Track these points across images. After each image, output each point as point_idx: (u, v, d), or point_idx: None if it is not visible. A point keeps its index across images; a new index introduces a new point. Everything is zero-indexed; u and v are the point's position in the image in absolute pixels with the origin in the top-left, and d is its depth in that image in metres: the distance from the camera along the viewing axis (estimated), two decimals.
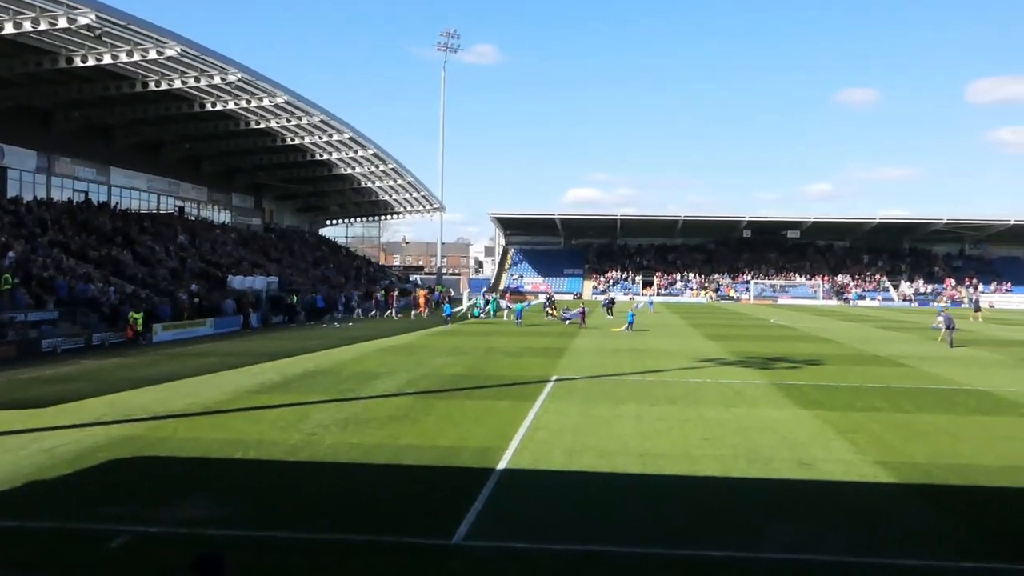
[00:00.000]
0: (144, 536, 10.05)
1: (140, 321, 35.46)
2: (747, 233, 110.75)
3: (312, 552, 9.65)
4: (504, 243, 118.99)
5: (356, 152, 68.91)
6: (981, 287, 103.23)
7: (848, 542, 10.04)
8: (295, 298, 53.45)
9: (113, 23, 36.88)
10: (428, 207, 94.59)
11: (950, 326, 37.65)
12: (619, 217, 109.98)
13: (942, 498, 12.04)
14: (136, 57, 40.47)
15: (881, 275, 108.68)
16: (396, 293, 66.89)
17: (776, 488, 12.52)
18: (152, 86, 45.74)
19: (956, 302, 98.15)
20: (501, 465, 13.48)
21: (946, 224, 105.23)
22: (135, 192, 60.62)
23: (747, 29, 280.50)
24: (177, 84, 45.77)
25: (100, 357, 29.74)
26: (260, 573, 8.93)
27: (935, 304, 54.97)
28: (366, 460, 13.85)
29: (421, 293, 64.73)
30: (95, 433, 15.74)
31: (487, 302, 62.42)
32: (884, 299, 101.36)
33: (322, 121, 59.37)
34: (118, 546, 9.71)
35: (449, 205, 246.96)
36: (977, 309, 60.81)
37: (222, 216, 72.59)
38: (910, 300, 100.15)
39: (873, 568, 9.30)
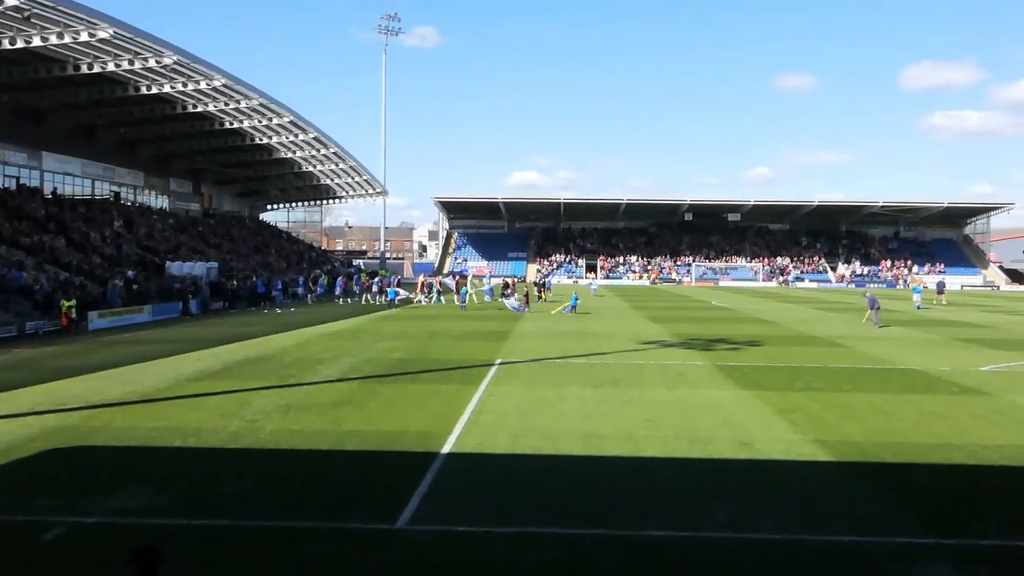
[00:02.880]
0: (80, 527, 9.85)
1: (74, 309, 34.68)
2: (688, 216, 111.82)
3: (253, 540, 9.55)
4: (448, 227, 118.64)
5: (296, 136, 68.10)
6: (916, 268, 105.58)
7: (786, 520, 10.21)
8: (235, 283, 52.73)
9: (42, 4, 35.91)
10: (371, 191, 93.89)
11: (874, 306, 38.18)
12: (562, 201, 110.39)
13: (877, 476, 12.31)
14: (67, 39, 39.45)
15: (819, 257, 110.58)
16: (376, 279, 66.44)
17: (716, 468, 12.69)
18: (84, 69, 44.60)
19: (891, 283, 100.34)
20: (445, 449, 13.47)
21: (882, 207, 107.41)
22: (69, 177, 59.26)
23: (685, 14, 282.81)
24: (110, 67, 44.73)
25: (34, 346, 29.06)
26: (200, 563, 8.81)
27: (915, 288, 56.34)
28: (308, 446, 13.73)
29: (422, 280, 64.08)
30: (29, 423, 15.38)
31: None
32: (821, 281, 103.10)
33: (261, 104, 58.53)
34: (54, 537, 9.52)
35: (392, 189, 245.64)
36: (941, 292, 61.54)
37: (159, 201, 71.26)
38: (846, 281, 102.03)
39: (809, 545, 9.47)
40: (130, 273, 45.87)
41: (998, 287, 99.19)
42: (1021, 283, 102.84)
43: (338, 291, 62.00)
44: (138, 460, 12.98)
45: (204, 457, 13.16)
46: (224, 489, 11.48)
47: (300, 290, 59.93)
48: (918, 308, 50.51)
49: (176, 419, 15.88)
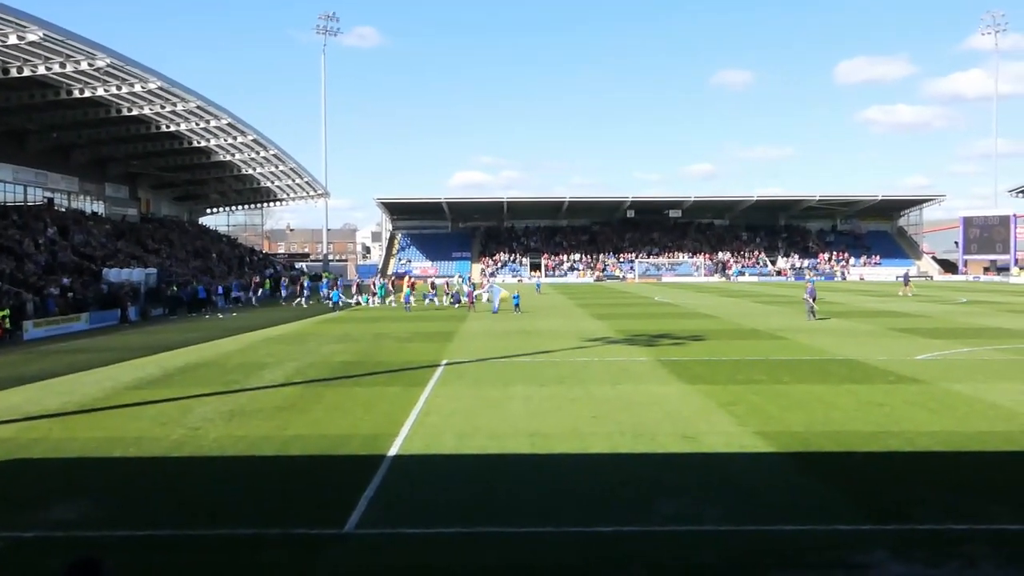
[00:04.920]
0: (18, 541, 9.64)
1: (8, 318, 33.85)
2: (631, 213, 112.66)
3: (197, 549, 9.42)
4: (391, 228, 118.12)
5: (235, 138, 67.26)
6: (852, 260, 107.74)
7: (730, 511, 10.36)
8: (175, 289, 51.91)
9: None
10: (312, 193, 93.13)
11: (812, 296, 38.85)
12: (505, 199, 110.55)
13: (818, 465, 12.53)
14: None
15: (759, 251, 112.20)
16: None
17: (661, 462, 12.83)
18: (14, 72, 43.52)
19: (829, 275, 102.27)
20: (392, 452, 13.42)
21: (819, 201, 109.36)
22: None
23: (624, 13, 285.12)
24: (41, 70, 43.73)
25: None
26: (142, 575, 8.68)
27: (810, 279, 57.14)
28: (253, 452, 13.58)
29: (408, 281, 62.74)
30: None
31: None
32: (763, 275, 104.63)
33: (199, 107, 57.70)
34: None
35: (334, 191, 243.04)
36: (907, 283, 62.75)
37: (95, 207, 69.65)
38: (785, 275, 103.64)
39: (753, 535, 9.62)
40: (66, 281, 44.89)
41: (931, 277, 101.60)
42: (953, 273, 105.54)
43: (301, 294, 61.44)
44: (78, 471, 12.73)
45: (146, 467, 12.94)
46: (167, 498, 11.30)
47: (284, 291, 61.10)
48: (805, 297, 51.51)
49: (116, 429, 15.59)
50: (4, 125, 55.15)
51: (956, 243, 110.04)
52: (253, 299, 58.77)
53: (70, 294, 42.83)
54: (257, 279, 65.85)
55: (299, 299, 57.27)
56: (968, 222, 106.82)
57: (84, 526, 10.11)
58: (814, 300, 38.61)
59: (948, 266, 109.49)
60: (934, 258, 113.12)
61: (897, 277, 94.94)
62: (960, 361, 23.64)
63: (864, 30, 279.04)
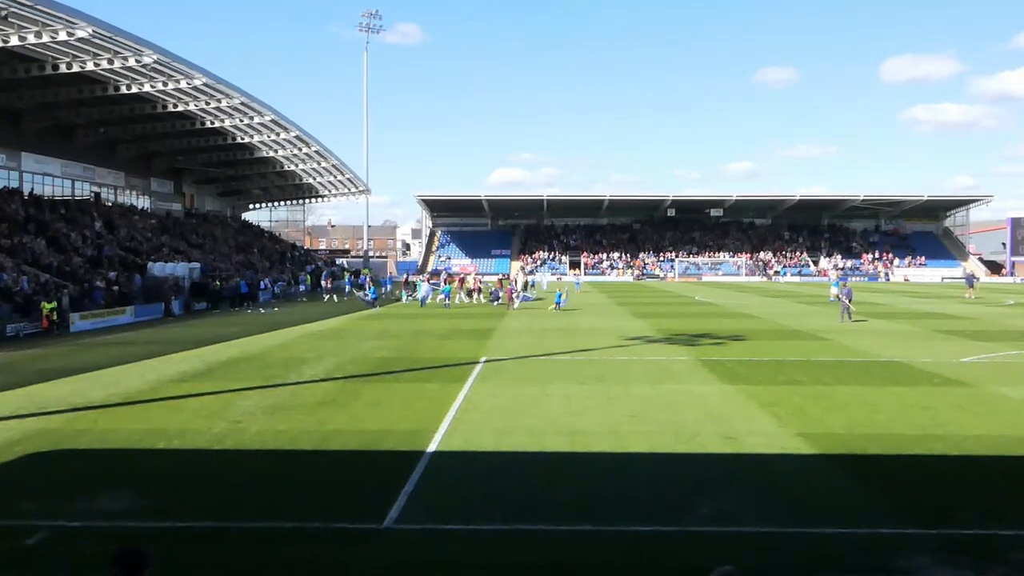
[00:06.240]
0: (63, 531, 9.79)
1: (55, 311, 34.42)
2: (671, 212, 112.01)
3: (238, 541, 9.51)
4: (431, 225, 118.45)
5: (278, 135, 67.87)
6: (896, 261, 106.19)
7: (770, 513, 10.27)
8: (219, 284, 52.51)
9: (20, 3, 35.50)
10: (353, 190, 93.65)
11: (849, 297, 38.15)
12: (545, 198, 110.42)
13: (860, 467, 12.37)
14: (45, 39, 39.10)
15: (801, 251, 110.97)
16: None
17: (701, 462, 12.74)
18: (63, 68, 44.21)
19: (873, 276, 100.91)
20: (431, 448, 13.45)
21: (863, 201, 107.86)
22: (48, 178, 58.59)
23: (667, 9, 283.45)
24: (89, 66, 44.38)
25: (14, 348, 28.82)
26: (185, 565, 8.77)
27: (834, 281, 56.09)
28: (293, 447, 13.69)
29: (460, 280, 62.85)
30: (10, 427, 15.26)
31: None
32: (804, 274, 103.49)
33: (242, 103, 58.23)
34: (37, 542, 9.45)
35: (375, 187, 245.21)
36: (971, 285, 61.33)
37: (141, 201, 70.68)
38: (826, 275, 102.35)
39: (794, 537, 9.52)
40: (112, 274, 45.55)
41: (978, 279, 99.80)
42: (1000, 275, 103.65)
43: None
44: (121, 463, 12.91)
45: (188, 459, 13.10)
46: (208, 491, 11.42)
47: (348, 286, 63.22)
48: (831, 300, 50.64)
49: (159, 421, 15.80)
50: (53, 120, 56.13)
51: (1004, 244, 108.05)
52: (333, 297, 60.12)
53: (115, 288, 43.45)
54: (330, 280, 66.97)
55: (361, 293, 57.65)
56: (1017, 223, 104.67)
57: (128, 516, 10.25)
58: (850, 301, 37.97)
59: (995, 267, 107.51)
60: (981, 259, 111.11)
61: (944, 279, 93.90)
62: (1007, 364, 23.22)
63: (911, 27, 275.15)
